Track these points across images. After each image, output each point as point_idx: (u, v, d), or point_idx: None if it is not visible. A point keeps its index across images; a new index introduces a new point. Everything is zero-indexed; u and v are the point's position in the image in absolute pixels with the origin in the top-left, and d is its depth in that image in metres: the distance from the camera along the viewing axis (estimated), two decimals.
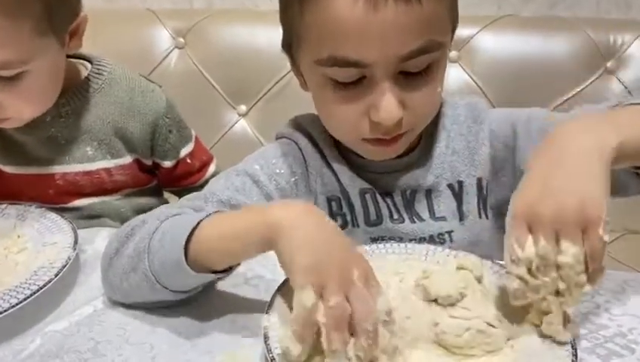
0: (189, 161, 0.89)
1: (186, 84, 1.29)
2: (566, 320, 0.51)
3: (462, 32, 1.22)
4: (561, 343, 0.50)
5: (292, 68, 0.70)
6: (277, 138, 0.75)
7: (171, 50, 1.35)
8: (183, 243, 0.53)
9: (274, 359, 0.48)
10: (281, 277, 0.58)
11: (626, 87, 1.23)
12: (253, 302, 0.60)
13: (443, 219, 0.70)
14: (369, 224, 0.70)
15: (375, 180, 0.70)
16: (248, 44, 1.32)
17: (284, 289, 0.55)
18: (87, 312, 0.59)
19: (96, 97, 0.81)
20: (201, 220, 0.54)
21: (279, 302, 0.54)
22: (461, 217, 0.71)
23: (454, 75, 1.25)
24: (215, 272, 0.56)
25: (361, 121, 0.62)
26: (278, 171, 0.70)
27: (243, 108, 1.35)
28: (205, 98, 1.33)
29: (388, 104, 0.60)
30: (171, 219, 0.58)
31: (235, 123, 1.36)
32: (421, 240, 0.69)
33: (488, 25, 1.25)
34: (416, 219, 0.70)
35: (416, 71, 0.61)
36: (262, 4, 1.49)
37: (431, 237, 0.70)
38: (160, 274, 0.55)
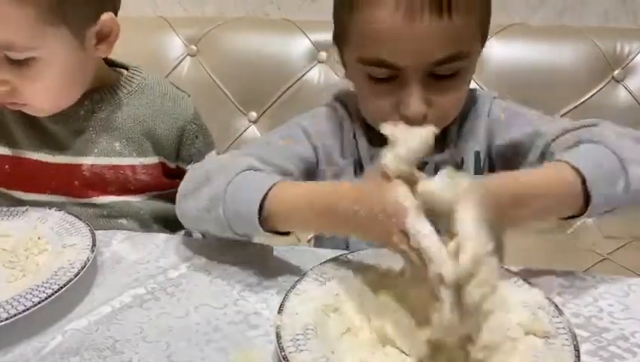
0: None
1: (198, 91, 1.30)
2: None
3: None
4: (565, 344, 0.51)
5: (339, 59, 0.77)
6: (323, 105, 0.83)
7: (183, 58, 1.38)
8: (257, 205, 0.60)
9: (285, 357, 0.50)
10: (293, 279, 0.60)
11: (633, 96, 1.24)
12: (266, 302, 0.61)
13: None
14: None
15: None
16: (259, 52, 1.35)
17: (298, 290, 0.58)
18: (106, 312, 0.61)
19: (130, 98, 0.86)
20: (273, 185, 0.61)
21: (294, 301, 0.57)
22: None
23: None
24: (281, 233, 0.62)
25: (393, 113, 0.69)
26: (324, 130, 0.78)
27: (254, 114, 1.37)
28: (217, 105, 1.35)
29: (414, 103, 0.67)
30: (244, 173, 0.64)
31: (246, 129, 1.38)
32: None
33: (497, 33, 1.26)
34: None
35: (445, 74, 0.67)
36: (272, 13, 1.52)
37: None
38: (232, 223, 0.63)
